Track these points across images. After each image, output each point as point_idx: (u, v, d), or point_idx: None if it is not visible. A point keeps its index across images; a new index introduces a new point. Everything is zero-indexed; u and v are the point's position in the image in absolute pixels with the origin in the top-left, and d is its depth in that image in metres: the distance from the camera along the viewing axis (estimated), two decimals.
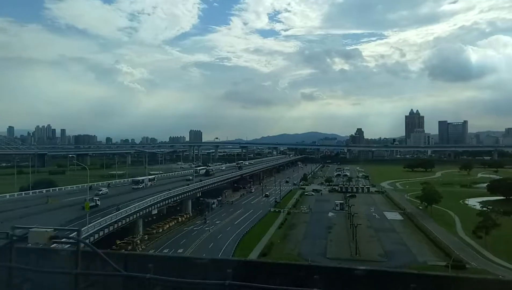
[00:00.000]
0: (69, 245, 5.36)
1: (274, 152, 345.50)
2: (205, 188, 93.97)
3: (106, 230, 48.37)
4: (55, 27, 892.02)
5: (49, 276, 4.99)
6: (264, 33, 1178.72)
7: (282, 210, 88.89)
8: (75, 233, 5.19)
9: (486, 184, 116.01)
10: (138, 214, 59.72)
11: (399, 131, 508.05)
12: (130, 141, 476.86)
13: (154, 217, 77.62)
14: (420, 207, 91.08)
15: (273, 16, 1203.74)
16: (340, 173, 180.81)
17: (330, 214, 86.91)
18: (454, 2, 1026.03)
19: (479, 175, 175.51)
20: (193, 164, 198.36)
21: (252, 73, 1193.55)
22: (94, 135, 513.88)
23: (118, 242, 57.36)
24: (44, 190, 78.66)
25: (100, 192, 70.58)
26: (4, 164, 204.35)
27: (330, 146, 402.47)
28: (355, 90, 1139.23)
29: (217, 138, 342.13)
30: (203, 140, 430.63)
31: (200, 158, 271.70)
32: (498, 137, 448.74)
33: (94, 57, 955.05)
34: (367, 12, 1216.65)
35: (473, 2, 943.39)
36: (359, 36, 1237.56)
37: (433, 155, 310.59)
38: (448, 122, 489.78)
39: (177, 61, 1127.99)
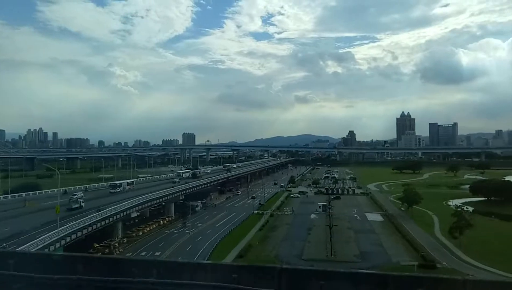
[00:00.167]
0: None
1: (266, 155, 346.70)
2: (188, 191, 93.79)
3: (79, 233, 48.29)
4: (48, 29, 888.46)
5: None
6: (258, 36, 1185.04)
7: (265, 212, 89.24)
8: None
9: (469, 186, 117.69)
10: (115, 217, 59.57)
11: (391, 133, 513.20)
12: (123, 144, 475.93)
13: (136, 220, 77.62)
14: (402, 209, 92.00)
15: (267, 19, 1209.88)
16: (328, 175, 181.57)
17: (313, 215, 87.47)
18: (445, 6, 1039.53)
19: (466, 176, 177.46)
20: (184, 167, 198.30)
21: (246, 76, 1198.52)
22: (87, 138, 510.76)
23: (96, 245, 57.36)
24: (23, 194, 78.49)
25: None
26: None
27: (321, 148, 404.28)
28: (348, 93, 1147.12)
29: (208, 141, 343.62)
30: (196, 143, 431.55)
31: (191, 161, 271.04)
32: (488, 139, 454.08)
33: (87, 60, 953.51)
34: (359, 15, 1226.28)
35: (464, 5, 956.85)
36: (352, 39, 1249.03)
37: (423, 157, 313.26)
38: (439, 124, 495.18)
39: (170, 64, 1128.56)
